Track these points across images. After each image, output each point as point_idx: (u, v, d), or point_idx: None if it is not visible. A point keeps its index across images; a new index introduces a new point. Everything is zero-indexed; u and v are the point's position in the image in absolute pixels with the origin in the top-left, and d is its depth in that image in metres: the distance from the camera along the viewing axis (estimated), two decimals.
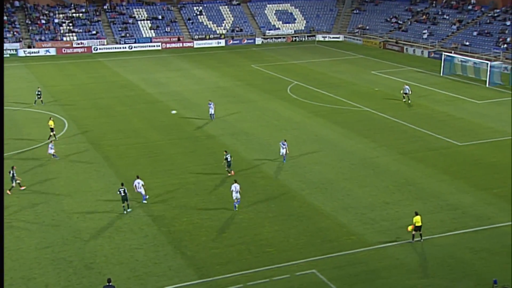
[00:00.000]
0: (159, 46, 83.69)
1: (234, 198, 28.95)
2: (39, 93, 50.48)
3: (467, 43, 74.46)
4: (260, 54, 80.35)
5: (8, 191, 30.69)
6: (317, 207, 29.51)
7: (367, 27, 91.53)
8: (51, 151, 35.83)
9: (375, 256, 24.82)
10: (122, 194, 28.63)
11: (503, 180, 32.77)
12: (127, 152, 37.90)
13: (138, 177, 30.11)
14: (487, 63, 59.67)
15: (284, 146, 35.62)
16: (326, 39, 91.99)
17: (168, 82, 60.27)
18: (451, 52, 67.75)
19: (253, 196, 30.83)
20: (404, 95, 51.56)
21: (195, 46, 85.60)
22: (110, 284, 21.12)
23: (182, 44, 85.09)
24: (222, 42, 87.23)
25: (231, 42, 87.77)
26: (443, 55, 65.24)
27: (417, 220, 25.52)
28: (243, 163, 35.89)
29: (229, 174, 33.45)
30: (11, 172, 31.24)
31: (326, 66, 70.60)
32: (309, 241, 25.94)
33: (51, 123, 40.49)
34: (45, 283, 22.64)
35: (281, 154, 35.73)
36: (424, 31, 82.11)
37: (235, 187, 28.91)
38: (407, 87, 52.04)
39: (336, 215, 28.55)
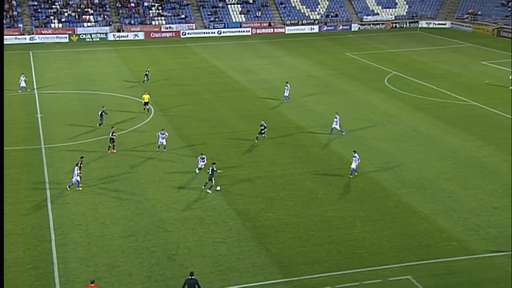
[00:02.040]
0: (249, 31, 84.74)
1: (352, 166, 32.10)
2: (147, 73, 55.22)
3: None
4: (356, 41, 79.12)
5: (113, 151, 36.37)
6: (414, 209, 28.75)
7: (479, 12, 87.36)
8: (163, 141, 36.31)
9: (479, 266, 23.83)
10: (210, 173, 30.85)
11: None
12: (213, 141, 38.82)
13: (202, 154, 33.40)
14: None
15: (336, 120, 38.99)
16: (431, 26, 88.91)
17: (257, 70, 60.93)
18: None
19: (343, 193, 30.60)
20: None
21: (286, 32, 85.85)
22: (192, 277, 21.76)
23: (273, 30, 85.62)
24: (316, 28, 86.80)
25: (325, 28, 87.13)
26: None
27: None
28: (333, 157, 35.65)
29: (256, 141, 37.92)
30: (111, 133, 36.29)
31: (429, 55, 68.28)
32: (404, 245, 25.37)
33: (146, 97, 45.02)
34: (129, 271, 23.79)
35: (334, 126, 39.14)
36: None
37: (356, 157, 32.22)
38: None
39: (436, 219, 27.68)
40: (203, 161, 33.31)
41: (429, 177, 32.51)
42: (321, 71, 60.38)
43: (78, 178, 30.97)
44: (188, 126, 42.14)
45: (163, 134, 36.73)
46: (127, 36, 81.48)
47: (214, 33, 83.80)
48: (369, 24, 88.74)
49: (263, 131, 38.33)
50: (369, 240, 25.82)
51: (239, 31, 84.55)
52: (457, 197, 29.91)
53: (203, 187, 31.22)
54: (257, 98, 49.81)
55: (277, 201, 29.90)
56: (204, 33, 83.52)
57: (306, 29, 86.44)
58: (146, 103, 44.86)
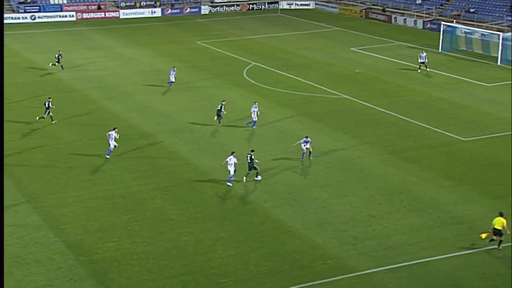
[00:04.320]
0: (72, 16, 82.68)
1: (303, 148, 36.03)
2: (59, 56, 56.05)
3: (473, 10, 76.37)
4: (208, 27, 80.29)
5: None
6: (284, 224, 29.75)
7: None
8: (113, 144, 37.08)
9: (358, 285, 25.20)
10: (249, 161, 33.49)
11: None
12: (32, 157, 37.33)
13: (233, 153, 34.06)
14: (499, 35, 61.42)
15: (255, 110, 42.09)
16: (292, 7, 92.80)
17: (86, 64, 59.58)
18: (452, 22, 69.40)
19: (200, 212, 30.87)
20: (420, 64, 55.81)
21: (121, 16, 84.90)
22: None
23: (104, 14, 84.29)
24: (158, 12, 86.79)
25: (169, 11, 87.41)
26: (442, 26, 66.79)
27: (499, 222, 26.51)
28: (187, 168, 35.85)
29: (217, 123, 42.54)
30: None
31: (293, 41, 71.19)
32: (275, 268, 26.14)
33: None
34: None
35: (253, 119, 42.20)
36: None
37: (307, 141, 36.14)
38: (423, 54, 56.08)
39: (309, 234, 28.86)
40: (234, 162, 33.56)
41: (299, 185, 33.84)
42: (167, 63, 60.36)
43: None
44: None
45: (113, 136, 37.05)
46: None
47: (26, 18, 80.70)
48: (222, 6, 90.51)
49: (218, 111, 42.24)
50: (234, 266, 26.28)
51: (59, 16, 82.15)
52: (332, 207, 31.45)
53: (244, 178, 33.64)
54: (88, 99, 48.67)
55: (119, 227, 29.42)
56: (12, 18, 79.95)
57: (146, 12, 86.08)
58: None
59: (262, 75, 56.11)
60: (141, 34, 75.09)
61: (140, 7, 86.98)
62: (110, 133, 37.14)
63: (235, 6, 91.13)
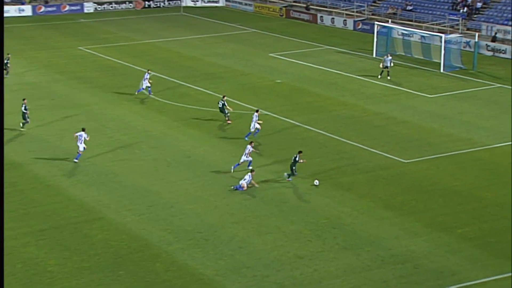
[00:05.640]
0: None
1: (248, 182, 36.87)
2: (7, 61, 56.46)
3: (410, 7, 78.65)
4: (93, 28, 79.54)
5: None
6: (193, 270, 29.55)
7: None
8: (82, 147, 39.78)
9: None
10: (292, 160, 37.68)
11: (471, 213, 34.73)
12: None
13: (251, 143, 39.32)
14: (441, 37, 63.37)
15: (255, 119, 44.53)
16: (198, 4, 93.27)
17: None
18: (387, 22, 71.20)
19: (87, 260, 30.27)
20: (384, 69, 57.34)
21: None
22: None
23: None
24: (28, 10, 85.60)
25: (43, 9, 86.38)
26: (375, 26, 68.36)
27: None
28: (70, 205, 35.16)
29: (228, 122, 47.10)
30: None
31: (200, 47, 71.38)
32: None
33: None
34: None
35: (253, 128, 44.41)
36: None
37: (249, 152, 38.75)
38: (389, 58, 57.92)
39: (224, 281, 28.74)
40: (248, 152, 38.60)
41: (211, 222, 33.67)
42: (42, 75, 59.41)
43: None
44: None
45: (82, 137, 39.54)
46: None
47: None
48: (110, 3, 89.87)
49: (226, 111, 46.56)
50: None
51: None
52: (251, 248, 31.40)
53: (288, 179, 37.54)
54: None
55: None
56: None
57: (12, 11, 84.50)
58: None
59: (163, 88, 55.78)
60: (6, 38, 72.35)
61: (4, 3, 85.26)
62: (78, 134, 39.66)
63: (127, 3, 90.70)
